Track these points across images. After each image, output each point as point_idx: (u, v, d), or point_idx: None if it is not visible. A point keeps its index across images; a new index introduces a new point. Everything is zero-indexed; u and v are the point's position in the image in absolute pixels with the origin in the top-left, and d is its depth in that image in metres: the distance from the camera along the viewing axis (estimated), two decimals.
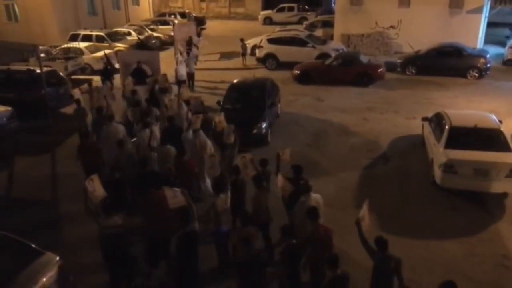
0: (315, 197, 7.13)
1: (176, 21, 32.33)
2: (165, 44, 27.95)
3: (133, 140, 10.26)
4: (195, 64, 18.99)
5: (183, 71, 17.40)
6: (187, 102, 11.99)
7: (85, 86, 13.42)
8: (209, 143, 9.83)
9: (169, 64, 19.61)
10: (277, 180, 7.76)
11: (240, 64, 22.60)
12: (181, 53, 18.42)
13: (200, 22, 34.01)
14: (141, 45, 25.08)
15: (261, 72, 20.56)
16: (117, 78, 17.58)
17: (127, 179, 8.32)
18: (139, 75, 15.40)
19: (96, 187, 7.56)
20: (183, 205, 6.76)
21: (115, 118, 10.79)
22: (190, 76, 18.12)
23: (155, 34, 28.86)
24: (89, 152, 9.27)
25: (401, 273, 5.73)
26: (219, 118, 10.54)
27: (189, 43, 21.24)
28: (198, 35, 25.43)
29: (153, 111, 11.51)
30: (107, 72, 17.04)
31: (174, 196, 6.93)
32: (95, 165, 8.78)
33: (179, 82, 16.80)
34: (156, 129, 10.16)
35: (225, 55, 24.99)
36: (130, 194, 8.22)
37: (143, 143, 9.57)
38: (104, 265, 6.95)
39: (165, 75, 15.29)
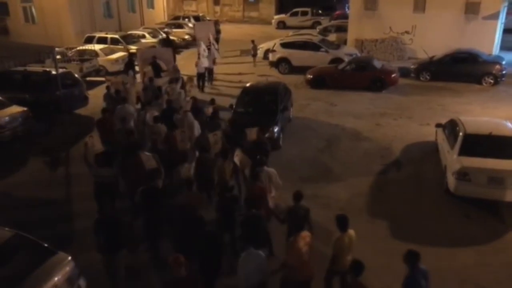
0: (268, 170, 8.24)
1: (190, 24, 32.93)
2: (179, 47, 28.11)
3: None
4: (214, 62, 20.76)
5: (204, 65, 18.87)
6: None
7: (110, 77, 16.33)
8: (196, 124, 11.00)
9: (185, 63, 20.53)
10: (236, 154, 9.12)
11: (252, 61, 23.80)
12: (207, 49, 20.20)
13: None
14: (167, 42, 25.50)
15: (274, 76, 20.60)
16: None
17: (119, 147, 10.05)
18: (155, 69, 17.02)
19: (95, 143, 10.02)
20: (155, 166, 8.54)
21: (129, 99, 13.12)
22: (209, 70, 19.70)
23: (164, 35, 28.99)
24: (104, 125, 11.19)
25: (310, 220, 7.05)
26: (209, 108, 12.29)
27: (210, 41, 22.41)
28: (218, 32, 27.04)
29: (163, 95, 13.76)
30: (130, 64, 18.99)
31: (148, 160, 8.84)
32: (108, 135, 10.56)
33: (199, 75, 18.63)
34: (151, 111, 11.69)
35: (244, 52, 26.21)
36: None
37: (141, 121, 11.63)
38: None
39: (175, 66, 17.53)
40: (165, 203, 7.72)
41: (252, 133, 10.30)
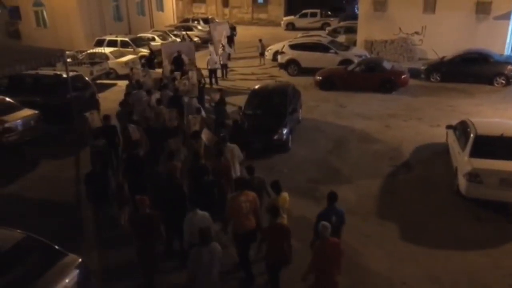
0: (230, 146, 9.40)
1: (200, 27, 33.98)
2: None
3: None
4: (229, 58, 22.65)
5: (214, 62, 20.16)
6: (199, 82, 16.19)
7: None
8: (196, 106, 12.57)
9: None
10: (203, 133, 10.35)
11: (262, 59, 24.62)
12: (223, 47, 21.69)
13: None
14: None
15: (283, 78, 20.62)
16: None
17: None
18: (178, 63, 18.46)
19: (94, 119, 11.71)
20: (138, 138, 10.24)
21: (144, 86, 14.70)
22: (223, 66, 21.27)
23: (178, 39, 29.23)
24: (125, 106, 12.46)
25: (267, 188, 7.88)
26: (216, 94, 13.86)
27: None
28: (233, 29, 28.83)
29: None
30: (151, 59, 21.05)
31: (134, 131, 10.53)
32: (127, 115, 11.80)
33: (210, 71, 19.81)
34: (155, 95, 13.42)
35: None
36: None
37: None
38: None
39: (192, 60, 19.71)
40: (150, 169, 9.19)
41: (234, 114, 12.11)
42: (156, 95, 13.38)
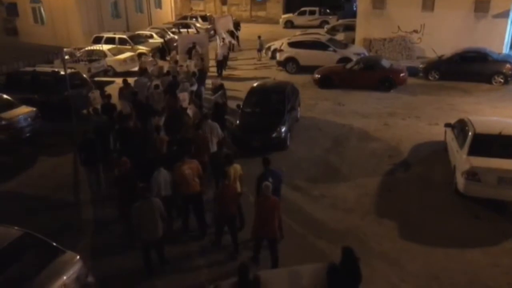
0: (211, 123, 10.67)
1: (198, 24, 34.02)
2: None
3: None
4: (233, 50, 25.48)
5: (221, 54, 21.69)
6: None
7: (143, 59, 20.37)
8: (188, 89, 14.17)
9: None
10: (189, 108, 12.24)
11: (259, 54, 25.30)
12: (223, 40, 23.14)
13: None
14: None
15: (281, 76, 20.62)
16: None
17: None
18: (190, 53, 20.35)
19: (96, 97, 14.11)
20: (129, 112, 12.28)
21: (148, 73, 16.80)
22: (224, 57, 22.19)
23: (176, 37, 29.13)
24: (125, 90, 14.27)
25: (231, 159, 8.49)
26: (217, 79, 16.08)
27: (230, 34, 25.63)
28: (237, 24, 30.35)
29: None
30: (164, 50, 24.28)
31: (125, 108, 12.79)
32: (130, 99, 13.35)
33: (218, 62, 21.33)
34: (155, 81, 15.14)
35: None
36: None
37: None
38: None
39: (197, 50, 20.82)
40: (137, 139, 10.58)
41: (218, 97, 13.42)
42: (156, 81, 15.07)
